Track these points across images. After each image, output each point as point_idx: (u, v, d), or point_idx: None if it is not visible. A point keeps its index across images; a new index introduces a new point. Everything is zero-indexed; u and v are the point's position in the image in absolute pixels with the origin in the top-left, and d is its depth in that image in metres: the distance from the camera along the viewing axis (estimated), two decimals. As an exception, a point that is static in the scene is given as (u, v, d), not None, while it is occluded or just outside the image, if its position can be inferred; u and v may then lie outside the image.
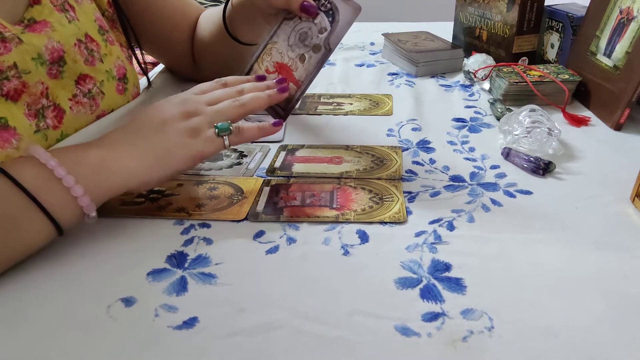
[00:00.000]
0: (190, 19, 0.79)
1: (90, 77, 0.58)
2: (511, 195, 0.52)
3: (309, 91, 0.83)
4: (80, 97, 0.57)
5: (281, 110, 0.57)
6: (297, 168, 0.57)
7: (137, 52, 0.75)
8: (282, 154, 0.61)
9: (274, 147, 0.63)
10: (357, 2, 0.55)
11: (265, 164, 0.59)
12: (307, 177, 0.55)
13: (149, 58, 1.09)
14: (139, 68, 0.77)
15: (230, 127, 0.49)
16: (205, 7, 0.84)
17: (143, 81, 0.83)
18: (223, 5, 0.70)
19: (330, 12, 0.56)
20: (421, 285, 0.40)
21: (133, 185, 0.45)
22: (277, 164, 0.58)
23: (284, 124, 0.70)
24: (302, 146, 0.63)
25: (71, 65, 0.56)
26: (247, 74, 0.61)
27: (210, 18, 0.76)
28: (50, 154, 0.42)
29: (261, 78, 0.57)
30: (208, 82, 0.55)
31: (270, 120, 0.53)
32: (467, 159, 0.60)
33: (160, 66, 0.93)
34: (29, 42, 0.50)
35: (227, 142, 0.48)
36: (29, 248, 0.42)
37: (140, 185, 0.46)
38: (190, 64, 0.82)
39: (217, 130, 0.48)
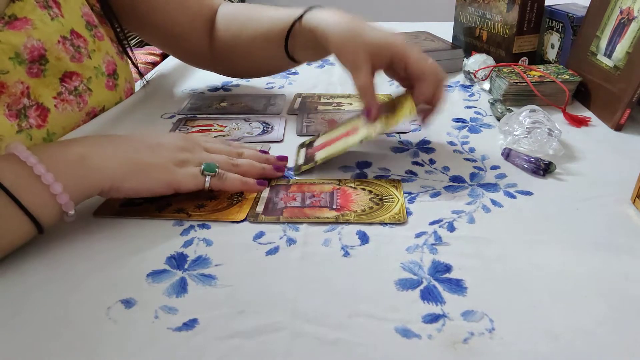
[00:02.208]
0: (190, 12, 0.76)
1: (77, 74, 0.58)
2: (511, 196, 0.52)
3: (309, 91, 0.83)
4: (66, 95, 0.56)
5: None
6: (319, 155, 0.57)
7: (137, 51, 0.75)
8: (302, 150, 0.61)
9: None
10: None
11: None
12: (329, 161, 0.56)
13: (149, 58, 1.09)
14: (133, 65, 0.76)
15: (216, 170, 0.50)
16: None
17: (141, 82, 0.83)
18: (279, 16, 0.68)
19: None
20: (421, 287, 0.40)
21: (106, 187, 0.45)
22: (300, 161, 0.59)
23: (285, 121, 0.70)
24: (318, 135, 0.64)
25: (54, 63, 0.55)
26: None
27: (251, 27, 0.72)
28: (30, 151, 0.42)
29: (282, 159, 0.58)
30: (219, 140, 0.57)
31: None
32: (468, 159, 0.60)
33: (160, 66, 0.93)
34: (6, 41, 0.50)
35: (207, 184, 0.49)
36: (8, 245, 0.42)
37: (112, 189, 0.46)
38: (205, 57, 0.79)
39: (202, 168, 0.49)
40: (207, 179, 0.49)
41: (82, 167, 0.44)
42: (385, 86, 0.85)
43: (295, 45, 0.68)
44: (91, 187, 0.45)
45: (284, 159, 0.57)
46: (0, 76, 0.49)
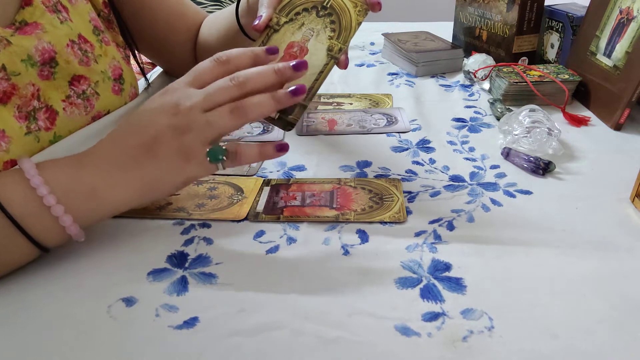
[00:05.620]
0: (189, 21, 0.78)
1: (85, 78, 0.58)
2: (511, 195, 0.52)
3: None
4: (74, 98, 0.56)
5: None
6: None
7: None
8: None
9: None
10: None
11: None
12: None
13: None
14: (138, 68, 0.76)
15: (223, 156, 0.44)
16: (205, 7, 0.83)
17: (143, 81, 0.83)
18: (235, 3, 0.69)
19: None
20: (421, 285, 0.40)
21: (123, 210, 0.45)
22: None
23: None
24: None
25: (64, 66, 0.55)
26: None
27: (217, 21, 0.74)
28: (42, 176, 0.41)
29: (273, 51, 0.48)
30: (206, 63, 0.47)
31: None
32: (467, 158, 0.60)
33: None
34: (18, 44, 0.50)
35: (220, 167, 0.45)
36: (10, 267, 0.42)
37: (133, 207, 0.45)
38: (191, 66, 0.81)
39: (208, 159, 0.44)
40: (219, 165, 0.45)
41: (93, 200, 0.43)
42: (385, 86, 0.85)
43: (248, 22, 0.65)
44: (104, 216, 0.44)
45: (285, 147, 0.47)
46: (12, 78, 0.49)
